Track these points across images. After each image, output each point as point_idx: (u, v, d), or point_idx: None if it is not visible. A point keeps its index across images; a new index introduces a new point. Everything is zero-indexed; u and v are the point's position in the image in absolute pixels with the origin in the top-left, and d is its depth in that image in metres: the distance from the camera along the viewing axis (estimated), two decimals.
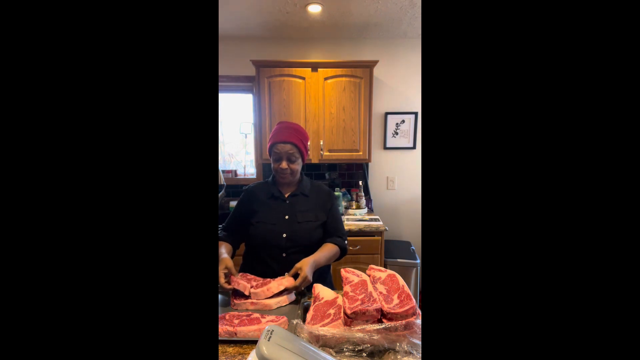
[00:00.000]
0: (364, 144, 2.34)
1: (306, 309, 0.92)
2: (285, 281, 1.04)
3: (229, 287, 1.03)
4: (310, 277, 1.05)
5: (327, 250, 1.19)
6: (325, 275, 1.29)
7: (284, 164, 1.20)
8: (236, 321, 0.86)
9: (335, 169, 2.67)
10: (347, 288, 0.89)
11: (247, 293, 1.01)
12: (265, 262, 1.21)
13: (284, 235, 1.20)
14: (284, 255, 1.20)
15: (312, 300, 0.94)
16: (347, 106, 2.30)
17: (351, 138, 2.34)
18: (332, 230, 1.27)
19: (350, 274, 0.97)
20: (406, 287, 0.86)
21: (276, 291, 1.01)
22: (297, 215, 1.23)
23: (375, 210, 2.69)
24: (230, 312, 0.94)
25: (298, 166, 1.23)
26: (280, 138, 1.18)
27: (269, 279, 1.06)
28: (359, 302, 0.80)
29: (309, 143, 1.29)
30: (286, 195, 1.27)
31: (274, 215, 1.23)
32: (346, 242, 1.28)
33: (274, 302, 0.99)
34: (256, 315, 0.90)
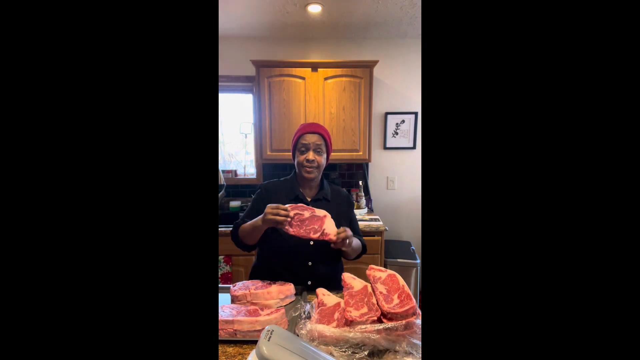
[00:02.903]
0: (364, 144, 2.34)
1: (306, 310, 0.92)
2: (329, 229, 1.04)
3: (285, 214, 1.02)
4: (350, 239, 1.08)
5: (356, 240, 1.20)
6: (340, 277, 1.28)
7: (311, 155, 1.18)
8: (235, 312, 0.87)
9: (335, 169, 2.67)
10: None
11: (248, 299, 1.00)
12: (290, 269, 1.18)
13: (312, 242, 1.16)
14: (309, 263, 1.18)
15: (315, 304, 0.94)
16: (347, 106, 2.30)
17: (351, 138, 2.33)
18: (354, 232, 1.28)
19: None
20: (406, 287, 0.86)
21: (276, 297, 1.00)
22: None
23: (375, 210, 2.69)
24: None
25: (323, 160, 1.22)
26: (308, 129, 1.19)
27: (269, 282, 1.05)
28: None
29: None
30: (309, 199, 1.24)
31: None
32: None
33: (274, 303, 0.99)
34: (254, 307, 0.91)
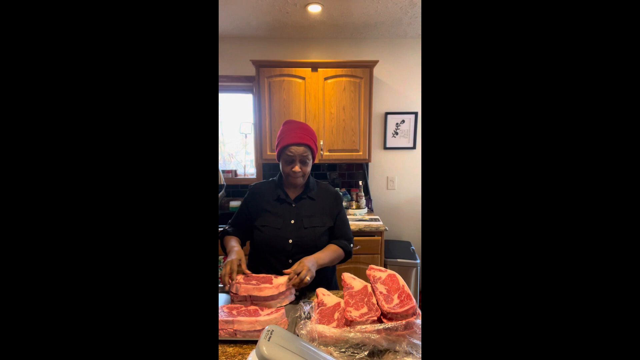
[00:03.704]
0: (364, 144, 2.34)
1: (306, 310, 0.92)
2: (285, 282, 1.02)
3: (230, 283, 1.00)
4: (313, 273, 1.04)
5: (331, 251, 1.18)
6: (331, 277, 1.28)
7: (297, 167, 1.16)
8: (235, 312, 0.87)
9: (335, 169, 2.67)
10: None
11: (242, 294, 0.99)
12: (272, 267, 1.19)
13: (290, 240, 1.18)
14: (290, 261, 1.18)
15: (315, 304, 0.94)
16: (347, 106, 2.30)
17: (351, 138, 2.33)
18: (338, 233, 1.26)
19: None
20: (406, 287, 0.86)
21: (270, 292, 0.99)
22: (303, 221, 1.20)
23: (375, 210, 2.69)
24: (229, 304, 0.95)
25: (309, 168, 1.20)
26: (294, 140, 1.14)
27: (267, 276, 1.05)
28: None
29: (320, 142, 1.26)
30: (292, 198, 1.24)
31: (279, 220, 1.20)
32: (352, 245, 1.27)
33: (274, 303, 0.99)
34: (254, 307, 0.91)
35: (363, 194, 2.51)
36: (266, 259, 1.21)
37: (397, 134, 2.65)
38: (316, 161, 2.32)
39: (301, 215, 1.21)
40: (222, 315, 0.85)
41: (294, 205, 1.23)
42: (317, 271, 1.12)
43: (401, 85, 2.61)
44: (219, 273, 0.98)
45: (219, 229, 1.07)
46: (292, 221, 1.20)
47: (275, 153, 1.23)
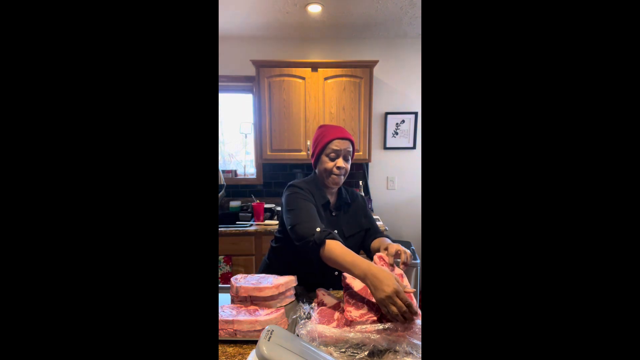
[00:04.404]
0: (364, 144, 2.34)
1: (306, 310, 0.92)
2: (285, 282, 0.99)
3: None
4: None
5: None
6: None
7: (342, 162, 1.11)
8: (235, 312, 0.87)
9: None
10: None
11: (242, 294, 0.97)
12: (323, 275, 1.12)
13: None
14: (336, 273, 1.13)
15: (315, 304, 0.94)
16: (347, 106, 2.30)
17: None
18: (376, 229, 1.25)
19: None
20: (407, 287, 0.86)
21: (270, 292, 0.98)
22: (344, 230, 1.14)
23: (375, 210, 2.69)
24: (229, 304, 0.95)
25: (349, 167, 1.16)
26: (338, 134, 1.11)
27: (267, 276, 1.04)
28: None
29: None
30: (332, 205, 1.18)
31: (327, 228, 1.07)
32: None
33: (274, 303, 0.99)
34: (254, 307, 0.91)
35: (363, 194, 2.51)
36: (312, 269, 1.10)
37: (397, 134, 2.65)
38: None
39: (341, 224, 1.16)
40: (222, 315, 0.85)
41: (334, 214, 1.17)
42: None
43: (401, 85, 2.61)
44: (391, 309, 0.77)
45: (318, 230, 0.96)
46: (335, 231, 1.11)
47: (312, 159, 1.17)
